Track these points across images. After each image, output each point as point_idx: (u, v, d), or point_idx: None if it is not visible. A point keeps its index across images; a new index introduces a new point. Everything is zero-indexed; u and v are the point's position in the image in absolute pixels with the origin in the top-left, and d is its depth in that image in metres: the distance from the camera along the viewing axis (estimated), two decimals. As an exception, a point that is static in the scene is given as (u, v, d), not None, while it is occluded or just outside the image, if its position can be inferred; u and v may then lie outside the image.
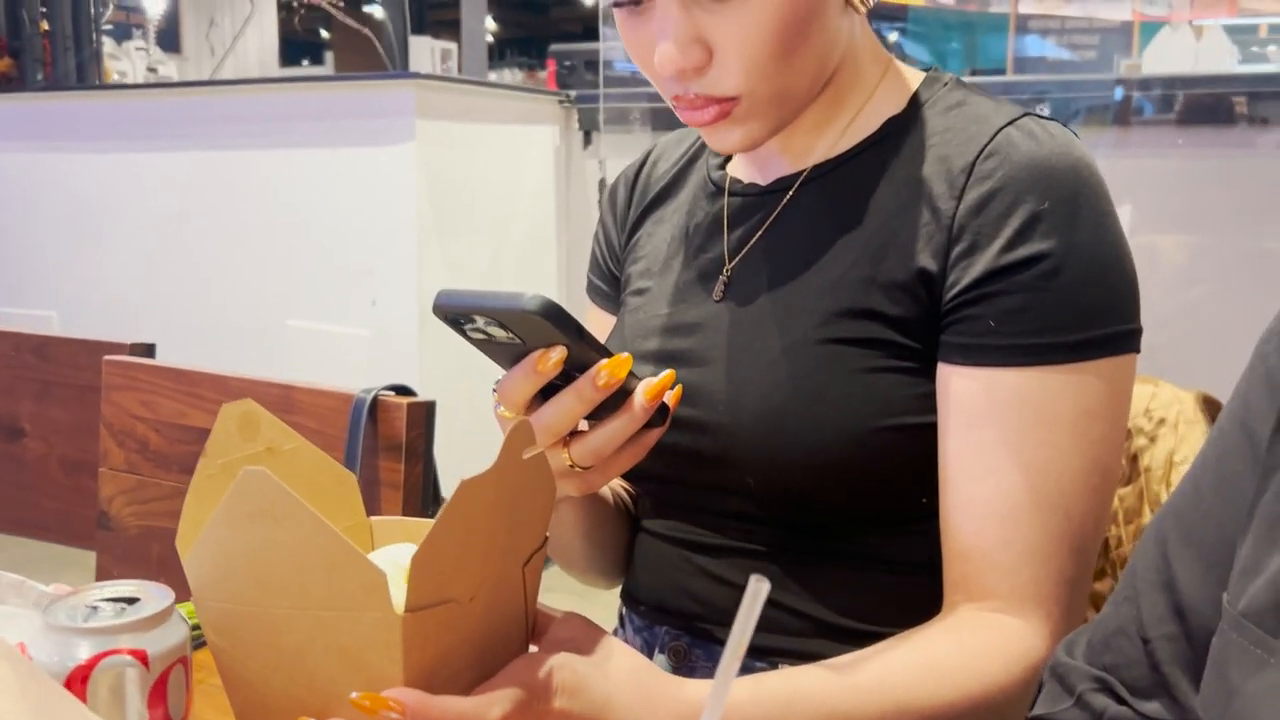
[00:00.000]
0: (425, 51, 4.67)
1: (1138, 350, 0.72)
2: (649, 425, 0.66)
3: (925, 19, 4.80)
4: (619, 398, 0.63)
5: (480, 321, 0.60)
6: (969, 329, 0.70)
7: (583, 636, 0.60)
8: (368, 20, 5.32)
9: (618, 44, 3.21)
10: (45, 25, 3.33)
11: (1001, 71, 4.81)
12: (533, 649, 0.59)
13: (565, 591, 1.11)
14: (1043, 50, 4.75)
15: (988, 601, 0.69)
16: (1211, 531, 0.47)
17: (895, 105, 0.78)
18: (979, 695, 0.66)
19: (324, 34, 11.29)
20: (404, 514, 0.91)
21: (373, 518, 0.65)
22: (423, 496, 0.92)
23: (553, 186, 2.79)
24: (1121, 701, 0.53)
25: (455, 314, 0.60)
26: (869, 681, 0.64)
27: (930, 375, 0.72)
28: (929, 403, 0.72)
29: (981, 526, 0.70)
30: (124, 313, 2.73)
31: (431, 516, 0.92)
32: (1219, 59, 3.55)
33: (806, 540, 0.76)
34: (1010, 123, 0.72)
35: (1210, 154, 2.43)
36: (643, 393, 0.64)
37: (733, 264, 0.80)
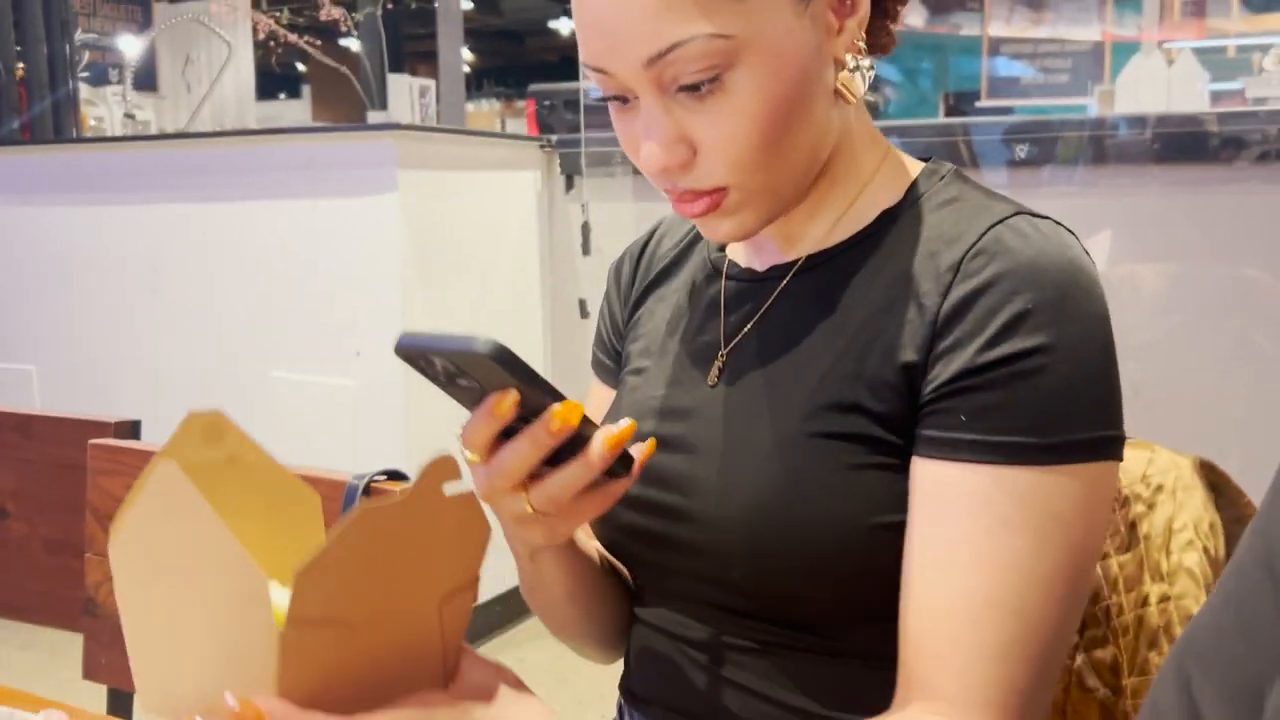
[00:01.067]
0: (404, 90, 4.68)
1: (1119, 458, 0.71)
2: (614, 475, 0.66)
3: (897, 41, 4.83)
4: (580, 444, 0.63)
5: (439, 364, 0.60)
6: (941, 422, 0.69)
7: (493, 686, 0.61)
8: (344, 55, 5.32)
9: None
10: (20, 72, 3.32)
11: (976, 95, 4.86)
12: None
13: (550, 674, 1.10)
14: (1015, 72, 4.80)
15: (935, 702, 0.68)
16: (1237, 676, 0.47)
17: (891, 196, 0.77)
18: None
19: (300, 67, 11.30)
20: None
21: None
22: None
23: (535, 231, 2.79)
24: None
25: (414, 356, 0.60)
26: None
27: (904, 471, 0.72)
28: (899, 502, 0.71)
29: (934, 623, 0.68)
30: (105, 366, 2.70)
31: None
32: (1190, 84, 3.59)
33: (793, 635, 0.75)
34: (1001, 221, 0.71)
35: (1187, 185, 2.45)
36: (601, 441, 0.63)
37: (727, 349, 0.80)
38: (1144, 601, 0.92)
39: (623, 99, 0.71)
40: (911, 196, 0.77)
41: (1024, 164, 2.52)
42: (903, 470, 0.71)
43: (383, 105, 4.74)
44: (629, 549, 0.81)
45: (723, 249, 0.87)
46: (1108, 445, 0.69)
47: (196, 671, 0.54)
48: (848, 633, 0.74)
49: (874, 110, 4.81)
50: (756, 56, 0.68)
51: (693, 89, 0.68)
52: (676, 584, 0.79)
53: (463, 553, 0.57)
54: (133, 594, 0.55)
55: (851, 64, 0.73)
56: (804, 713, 0.75)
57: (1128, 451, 0.96)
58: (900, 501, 0.71)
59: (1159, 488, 0.93)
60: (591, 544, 0.87)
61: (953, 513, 0.68)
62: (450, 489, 0.54)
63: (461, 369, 0.59)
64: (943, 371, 0.69)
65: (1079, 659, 0.98)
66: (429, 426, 2.28)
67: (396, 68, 5.78)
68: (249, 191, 2.46)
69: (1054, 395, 0.67)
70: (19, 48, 3.32)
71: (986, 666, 0.67)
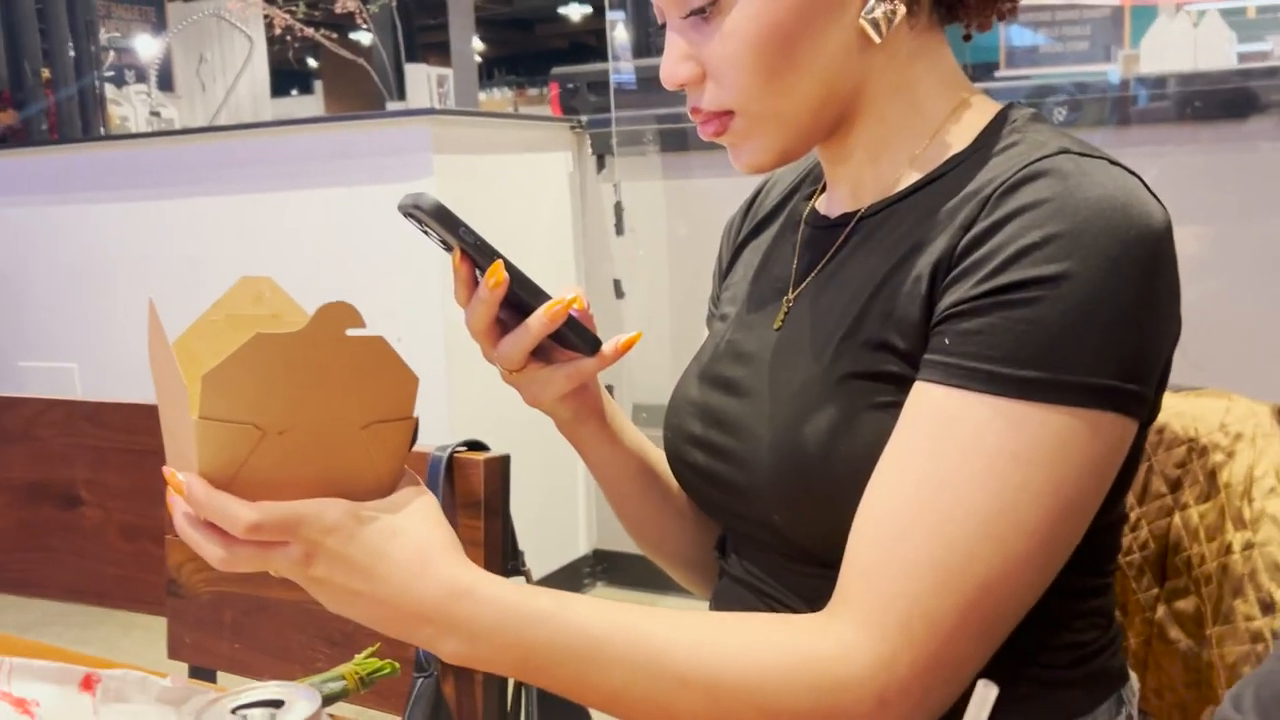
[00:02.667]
0: (422, 79, 4.68)
1: (1122, 412, 0.65)
2: (573, 347, 0.76)
3: (915, 15, 4.80)
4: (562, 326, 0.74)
5: (417, 219, 0.71)
6: (931, 346, 0.68)
7: (404, 496, 0.67)
8: (356, 48, 5.33)
9: (626, 64, 3.22)
10: (47, 74, 3.33)
11: (995, 65, 4.82)
12: None
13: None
14: (1033, 40, 4.76)
15: (841, 607, 0.66)
16: None
17: (962, 142, 0.76)
18: (732, 674, 0.64)
19: (311, 63, 11.30)
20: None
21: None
22: (502, 551, 0.91)
23: (569, 212, 2.79)
24: None
25: (406, 213, 0.71)
26: (634, 625, 0.65)
27: None
28: None
29: (860, 528, 0.67)
30: (144, 362, 2.71)
31: (512, 572, 0.92)
32: (1218, 45, 3.56)
33: (824, 574, 0.73)
34: (1043, 158, 0.68)
35: (1218, 146, 2.43)
36: (543, 310, 0.73)
37: (794, 295, 0.81)
38: (1227, 549, 0.92)
39: (661, 25, 0.77)
40: (980, 141, 0.75)
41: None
42: None
43: (401, 95, 4.75)
44: (698, 489, 0.84)
45: (810, 198, 0.88)
46: (1103, 395, 0.64)
47: (171, 448, 0.67)
48: None
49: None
50: None
51: (699, 12, 0.73)
52: (740, 528, 0.82)
53: (387, 390, 0.65)
54: (160, 390, 0.68)
55: (873, 4, 0.72)
56: None
57: (1204, 400, 0.96)
58: None
59: (1238, 435, 0.93)
60: (652, 454, 0.91)
61: (911, 428, 0.67)
62: (355, 334, 0.63)
63: (424, 226, 0.71)
64: (945, 299, 0.68)
65: (1160, 610, 0.98)
66: (470, 405, 2.28)
67: (410, 58, 5.79)
68: (284, 182, 2.47)
69: (1044, 329, 0.64)
70: (45, 59, 3.34)
71: (896, 582, 0.64)
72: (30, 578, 1.24)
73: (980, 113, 0.78)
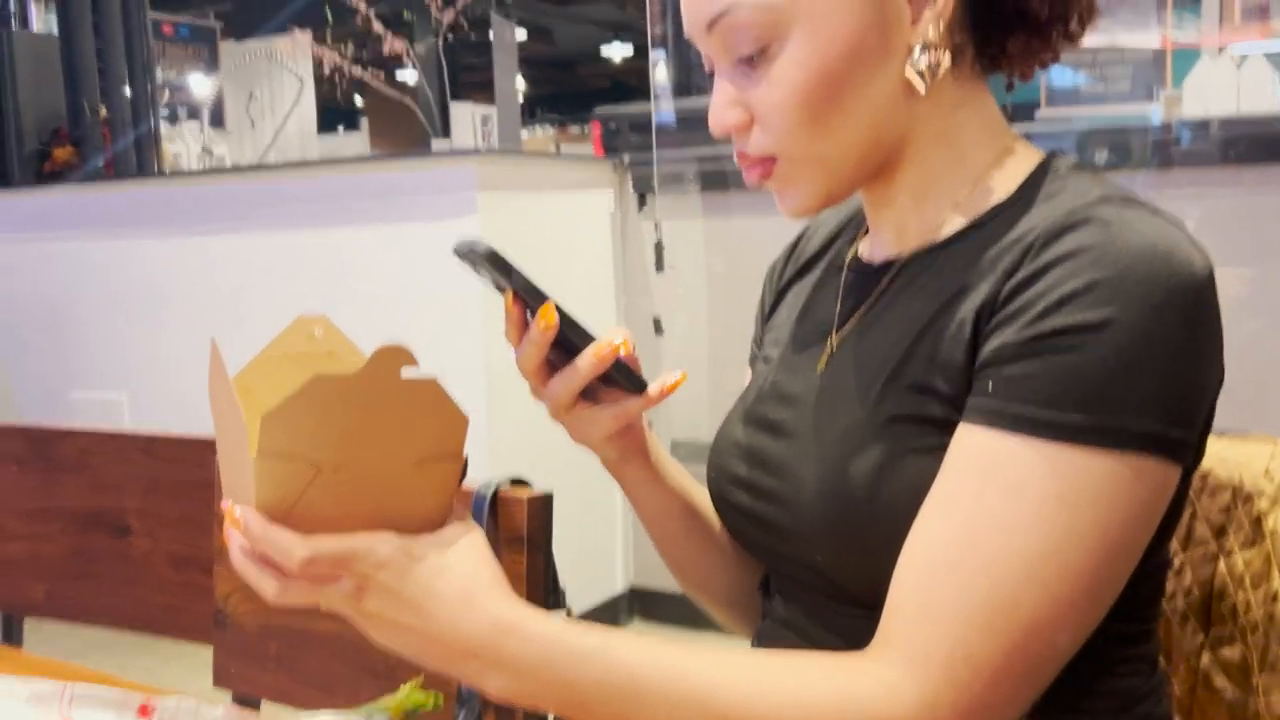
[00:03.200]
0: (466, 118, 4.75)
1: (1166, 456, 0.66)
2: (620, 387, 0.77)
3: (955, 58, 4.82)
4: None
5: (470, 264, 0.74)
6: (975, 390, 0.69)
7: (454, 532, 0.68)
8: (402, 87, 5.41)
9: (667, 103, 3.26)
10: (104, 112, 3.42)
11: (1036, 105, 4.82)
12: None
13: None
14: (1074, 81, 4.76)
15: (885, 649, 0.66)
16: None
17: (1006, 190, 0.77)
18: (775, 715, 0.64)
19: (357, 100, 11.49)
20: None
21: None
22: (544, 587, 0.92)
23: (610, 249, 2.82)
24: None
25: (462, 255, 0.73)
26: (678, 664, 0.65)
27: None
28: None
29: (904, 571, 0.67)
30: (193, 393, 2.76)
31: (554, 608, 0.93)
32: (1261, 86, 3.54)
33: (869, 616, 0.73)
34: (1085, 206, 0.69)
35: (1261, 189, 2.42)
36: (590, 349, 0.74)
37: (837, 338, 0.82)
38: (1273, 598, 0.91)
39: (711, 72, 0.78)
40: (1023, 189, 0.76)
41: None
42: None
43: (446, 133, 4.82)
44: (742, 530, 0.85)
45: (853, 242, 0.89)
46: (1145, 440, 0.64)
47: (229, 482, 0.70)
48: None
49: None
50: (802, 30, 0.72)
51: (747, 60, 0.74)
52: (784, 569, 0.82)
53: (438, 429, 0.67)
54: (219, 426, 0.71)
55: (918, 56, 0.73)
56: None
57: (1248, 446, 0.95)
58: None
59: (1284, 482, 0.92)
60: (696, 494, 0.91)
61: (955, 472, 0.67)
62: (409, 375, 0.65)
63: (479, 268, 0.73)
64: (989, 344, 0.68)
65: (1205, 658, 0.97)
66: (509, 439, 2.30)
67: (455, 97, 5.88)
68: (332, 219, 2.52)
69: (1088, 374, 0.64)
70: (103, 97, 3.43)
71: (936, 622, 0.65)
72: (80, 605, 1.27)
73: (1023, 161, 0.79)
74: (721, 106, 0.77)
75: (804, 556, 0.76)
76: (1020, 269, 0.69)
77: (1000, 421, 0.66)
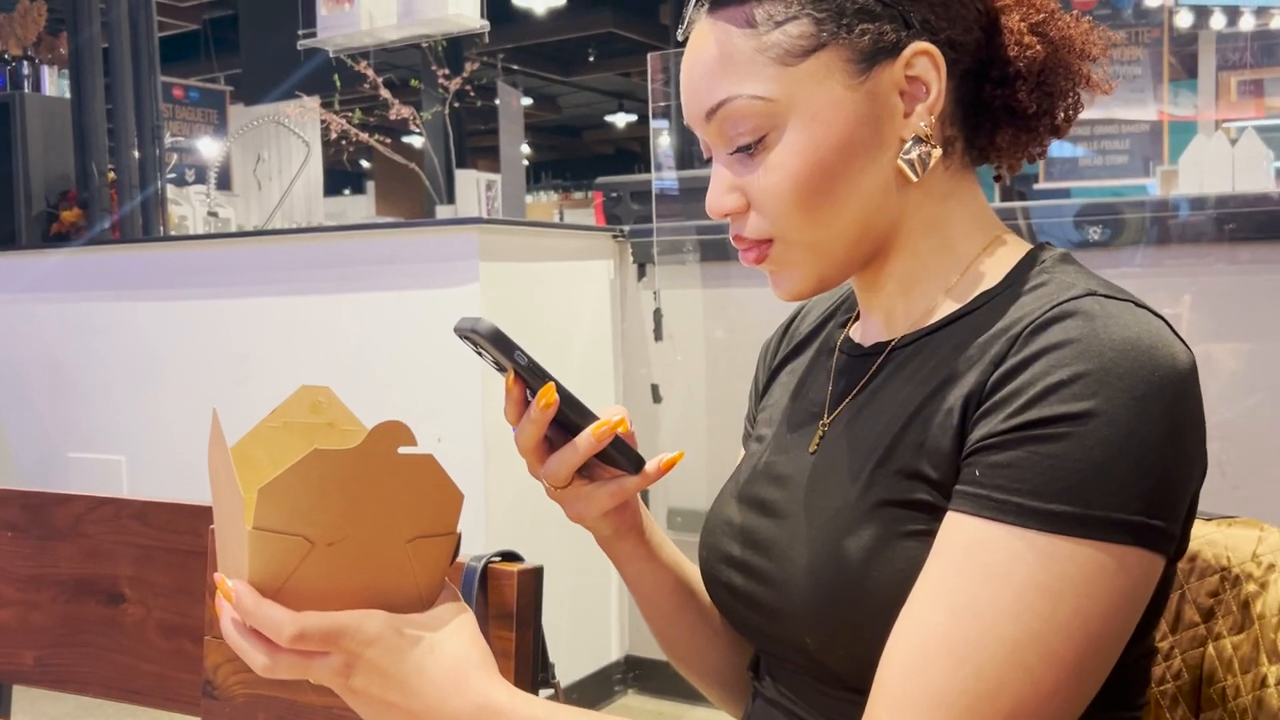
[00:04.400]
0: (471, 185, 4.82)
1: (1149, 546, 0.66)
2: (617, 465, 0.79)
3: (954, 131, 4.90)
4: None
5: (472, 343, 0.75)
6: (962, 478, 0.70)
7: (444, 612, 0.69)
8: (409, 152, 5.49)
9: (670, 173, 3.30)
10: (113, 175, 3.46)
11: (1035, 178, 4.87)
12: None
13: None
14: (1072, 153, 4.82)
15: None
16: None
17: (993, 279, 0.79)
18: None
19: (364, 164, 11.62)
20: (515, 683, 0.91)
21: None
22: (533, 663, 0.92)
23: (609, 318, 2.84)
24: None
25: (462, 335, 0.75)
26: None
27: None
28: None
29: (891, 655, 0.68)
30: (192, 456, 2.77)
31: (542, 684, 0.93)
32: (1256, 163, 3.59)
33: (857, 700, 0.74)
34: (1071, 299, 0.70)
35: (1259, 264, 2.44)
36: (590, 430, 0.76)
37: (829, 420, 0.83)
38: (1262, 683, 0.91)
39: (707, 160, 0.81)
40: (1011, 278, 0.78)
41: (1087, 246, 2.53)
42: None
43: (451, 199, 4.88)
44: (732, 609, 0.85)
45: (845, 325, 0.90)
46: (1126, 530, 0.65)
47: (223, 553, 0.70)
48: None
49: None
50: (799, 120, 0.75)
51: (745, 149, 0.76)
52: (773, 649, 0.82)
53: (433, 506, 0.67)
54: (216, 496, 0.71)
55: (910, 148, 0.76)
56: None
57: (1235, 530, 0.96)
58: None
59: (1270, 566, 0.92)
60: (689, 571, 0.92)
61: (942, 558, 0.68)
62: (406, 452, 0.65)
63: (481, 347, 0.74)
64: (976, 432, 0.70)
65: (1196, 742, 0.96)
66: (506, 507, 2.30)
67: (460, 163, 5.96)
68: (333, 285, 2.54)
69: (1072, 465, 0.65)
70: (111, 160, 3.48)
71: (925, 709, 0.65)
72: (70, 673, 1.26)
73: (1012, 250, 0.81)
74: (719, 192, 0.79)
75: (793, 638, 0.77)
76: (1007, 359, 0.70)
77: (985, 509, 0.67)
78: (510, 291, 2.37)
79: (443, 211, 4.41)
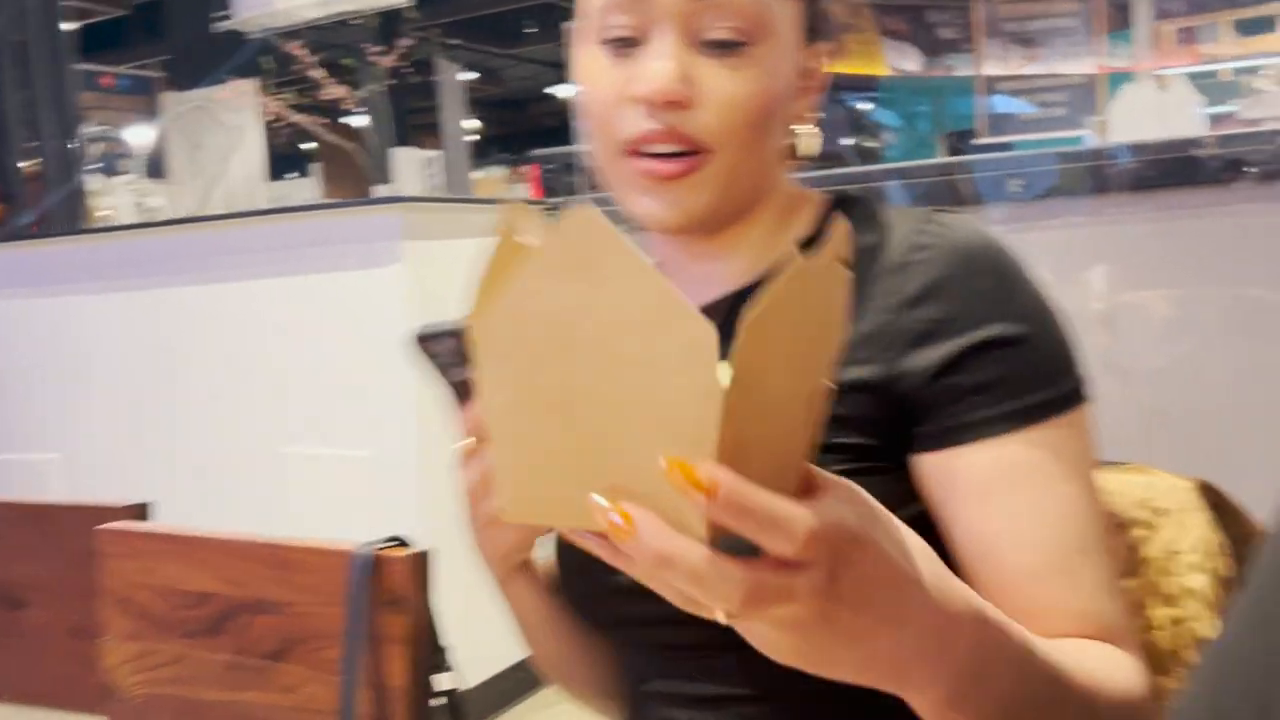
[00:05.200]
0: (411, 162, 4.76)
1: (1085, 400, 0.76)
2: None
3: (894, 87, 4.93)
4: None
5: (445, 347, 0.68)
6: (950, 412, 0.72)
7: (850, 490, 0.51)
8: (351, 132, 5.41)
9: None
10: (34, 166, 3.39)
11: (973, 133, 4.89)
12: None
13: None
14: (1012, 108, 4.84)
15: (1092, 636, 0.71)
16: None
17: (804, 230, 0.82)
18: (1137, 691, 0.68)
19: (311, 145, 11.47)
20: (408, 668, 0.90)
21: None
22: (426, 647, 0.91)
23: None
24: None
25: (427, 339, 0.68)
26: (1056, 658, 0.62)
27: (893, 473, 0.74)
28: (894, 500, 0.71)
29: (1040, 587, 0.70)
30: (126, 451, 2.73)
31: (435, 670, 0.92)
32: (1185, 109, 3.61)
33: (796, 676, 0.74)
34: (924, 220, 0.76)
35: (1188, 209, 2.46)
36: None
37: None
38: (1150, 626, 0.92)
39: (628, 42, 0.74)
40: (821, 227, 0.81)
41: (1024, 198, 2.54)
42: (891, 472, 0.74)
43: (389, 179, 4.82)
44: (632, 636, 0.82)
45: None
46: (1086, 387, 0.76)
47: (600, 452, 0.45)
48: None
49: (874, 155, 4.84)
50: (770, 49, 0.75)
51: (719, 45, 0.73)
52: (676, 651, 0.80)
53: (825, 345, 0.49)
54: (505, 385, 0.47)
55: (807, 128, 0.80)
56: None
57: (1125, 476, 0.96)
58: (887, 503, 0.71)
59: (1158, 511, 0.93)
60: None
61: (1006, 486, 0.71)
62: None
63: (441, 358, 0.67)
64: (927, 365, 0.72)
65: (1094, 688, 0.97)
66: (442, 487, 2.28)
67: (403, 140, 5.89)
68: (257, 271, 2.51)
69: (1039, 358, 0.73)
70: (35, 144, 3.40)
71: (1105, 599, 0.71)
72: (-26, 680, 1.24)
73: (816, 204, 0.84)
74: (672, 76, 0.72)
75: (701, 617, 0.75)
76: (904, 288, 0.74)
77: (1012, 423, 0.72)
78: (437, 270, 2.34)
79: (380, 191, 4.36)
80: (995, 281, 0.73)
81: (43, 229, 3.24)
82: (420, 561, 0.91)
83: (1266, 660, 0.46)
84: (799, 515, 0.45)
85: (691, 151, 0.73)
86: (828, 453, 0.71)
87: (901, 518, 0.70)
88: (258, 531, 1.00)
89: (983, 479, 0.71)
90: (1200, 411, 2.29)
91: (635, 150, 0.74)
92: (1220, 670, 0.51)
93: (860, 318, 0.74)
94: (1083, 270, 2.46)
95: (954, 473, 0.72)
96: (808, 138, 0.79)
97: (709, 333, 0.42)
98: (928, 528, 0.73)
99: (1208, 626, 0.90)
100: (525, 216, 0.54)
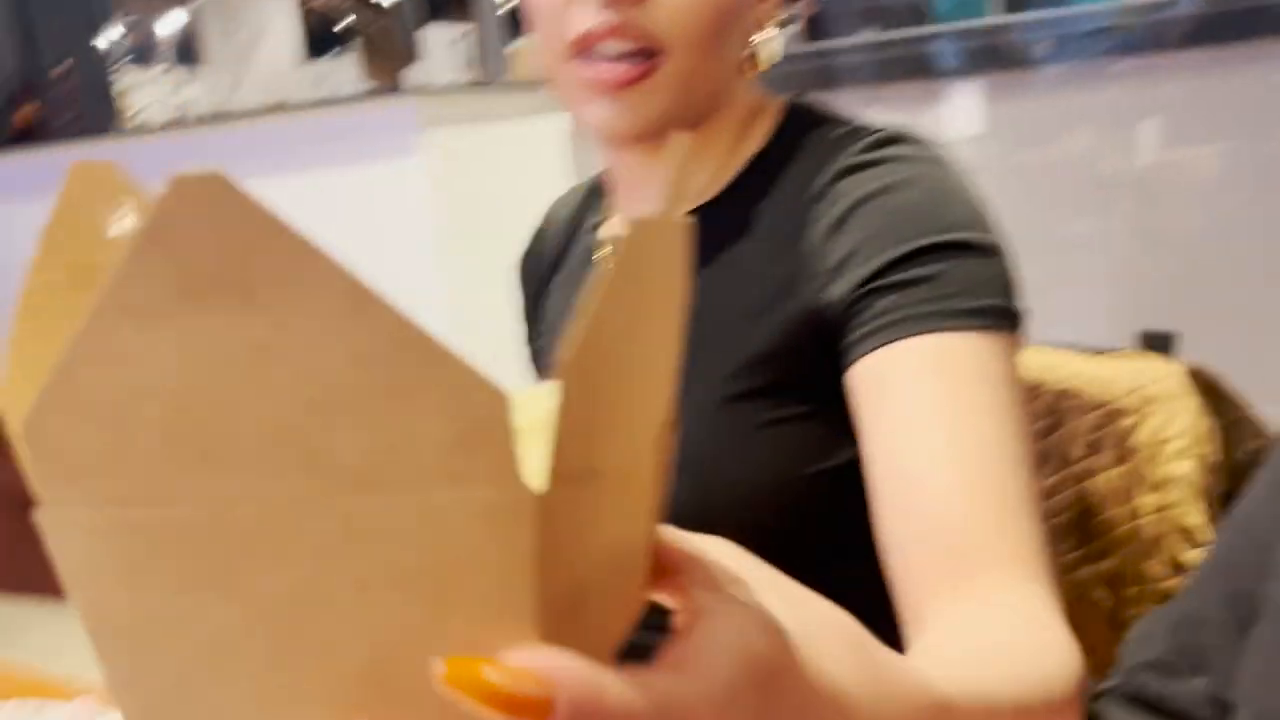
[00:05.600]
0: (440, 41, 4.69)
1: (1018, 333, 0.70)
2: None
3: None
4: None
5: None
6: (866, 318, 0.68)
7: (747, 574, 0.35)
8: (383, 8, 5.31)
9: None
10: (68, 66, 3.40)
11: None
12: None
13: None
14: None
15: (979, 579, 0.58)
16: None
17: (759, 143, 0.79)
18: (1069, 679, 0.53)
19: (348, 23, 11.28)
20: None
21: None
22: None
23: (569, 177, 2.80)
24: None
25: None
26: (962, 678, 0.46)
27: (827, 417, 0.71)
28: (830, 444, 0.71)
29: (963, 515, 0.60)
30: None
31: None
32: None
33: None
34: (866, 140, 0.73)
35: (1246, 65, 2.35)
36: None
37: None
38: (1139, 513, 0.92)
39: None
40: (776, 138, 0.78)
41: (1082, 56, 2.43)
42: (821, 415, 0.71)
43: (418, 57, 4.75)
44: None
45: (597, 228, 0.88)
46: (1015, 317, 0.69)
47: (307, 658, 0.25)
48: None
49: (919, 15, 4.65)
50: None
51: None
52: None
53: (665, 359, 0.33)
54: (103, 521, 0.26)
55: (768, 35, 0.76)
56: None
57: (1116, 363, 0.96)
58: (821, 448, 0.71)
59: (1147, 398, 0.93)
60: None
61: (920, 381, 0.65)
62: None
63: None
64: (844, 286, 0.69)
65: (1084, 571, 0.99)
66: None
67: (436, 14, 5.77)
68: (280, 165, 2.52)
69: (964, 272, 0.68)
70: (66, 42, 3.40)
71: (1018, 521, 0.61)
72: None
73: (771, 112, 0.80)
74: None
75: None
76: (821, 218, 0.71)
77: (934, 322, 0.66)
78: (457, 160, 2.33)
79: (409, 72, 4.31)
80: (926, 201, 0.69)
81: (76, 128, 3.27)
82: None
83: (1272, 513, 0.48)
84: (693, 690, 0.29)
85: (644, 53, 0.69)
86: (760, 397, 0.71)
87: (832, 466, 0.70)
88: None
89: (899, 380, 0.65)
90: (1232, 278, 2.23)
91: (585, 51, 0.70)
92: (1234, 529, 0.54)
93: (784, 247, 0.72)
94: (1130, 130, 2.38)
95: (869, 379, 0.66)
96: (768, 44, 0.76)
97: (500, 398, 0.24)
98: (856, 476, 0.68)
99: (1194, 513, 0.90)
100: (107, 182, 0.34)
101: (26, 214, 3.00)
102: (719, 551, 0.35)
